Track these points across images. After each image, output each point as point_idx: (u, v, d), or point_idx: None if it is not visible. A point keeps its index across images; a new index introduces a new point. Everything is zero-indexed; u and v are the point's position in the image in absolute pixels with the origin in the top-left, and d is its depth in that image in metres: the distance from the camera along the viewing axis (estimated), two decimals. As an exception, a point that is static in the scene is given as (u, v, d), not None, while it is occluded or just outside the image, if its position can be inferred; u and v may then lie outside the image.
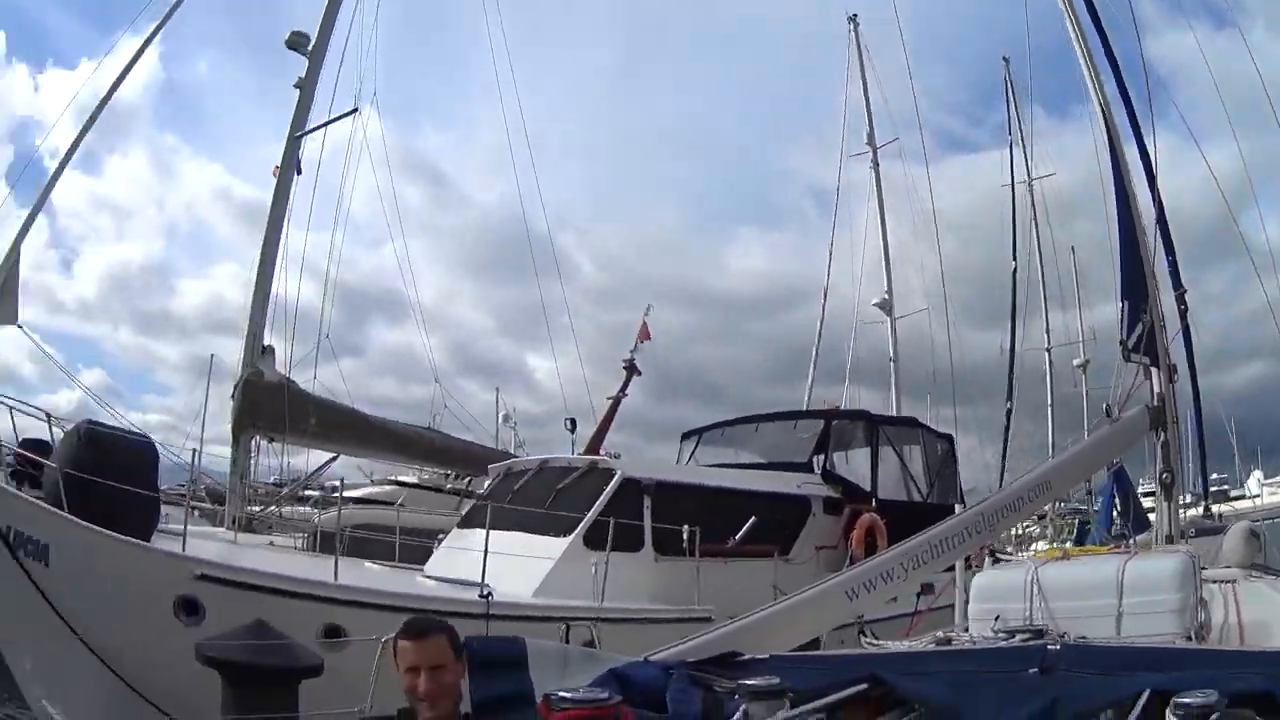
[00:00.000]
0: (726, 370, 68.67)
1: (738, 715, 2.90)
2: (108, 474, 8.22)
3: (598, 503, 11.32)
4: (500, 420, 33.48)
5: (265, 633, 6.63)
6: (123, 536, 8.17)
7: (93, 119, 16.04)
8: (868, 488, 14.72)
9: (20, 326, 14.66)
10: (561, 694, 2.99)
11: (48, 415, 9.26)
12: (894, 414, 23.12)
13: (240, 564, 9.29)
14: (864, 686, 3.33)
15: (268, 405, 16.24)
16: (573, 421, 19.05)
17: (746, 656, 4.21)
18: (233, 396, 16.59)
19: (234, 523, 15.34)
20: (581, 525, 11.08)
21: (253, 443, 17.29)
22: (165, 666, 7.77)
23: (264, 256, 17.96)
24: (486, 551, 9.61)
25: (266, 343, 17.12)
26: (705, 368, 63.20)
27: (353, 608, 8.75)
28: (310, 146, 18.46)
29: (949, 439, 17.73)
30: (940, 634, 7.16)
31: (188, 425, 35.23)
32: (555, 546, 10.91)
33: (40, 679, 8.02)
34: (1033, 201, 36.69)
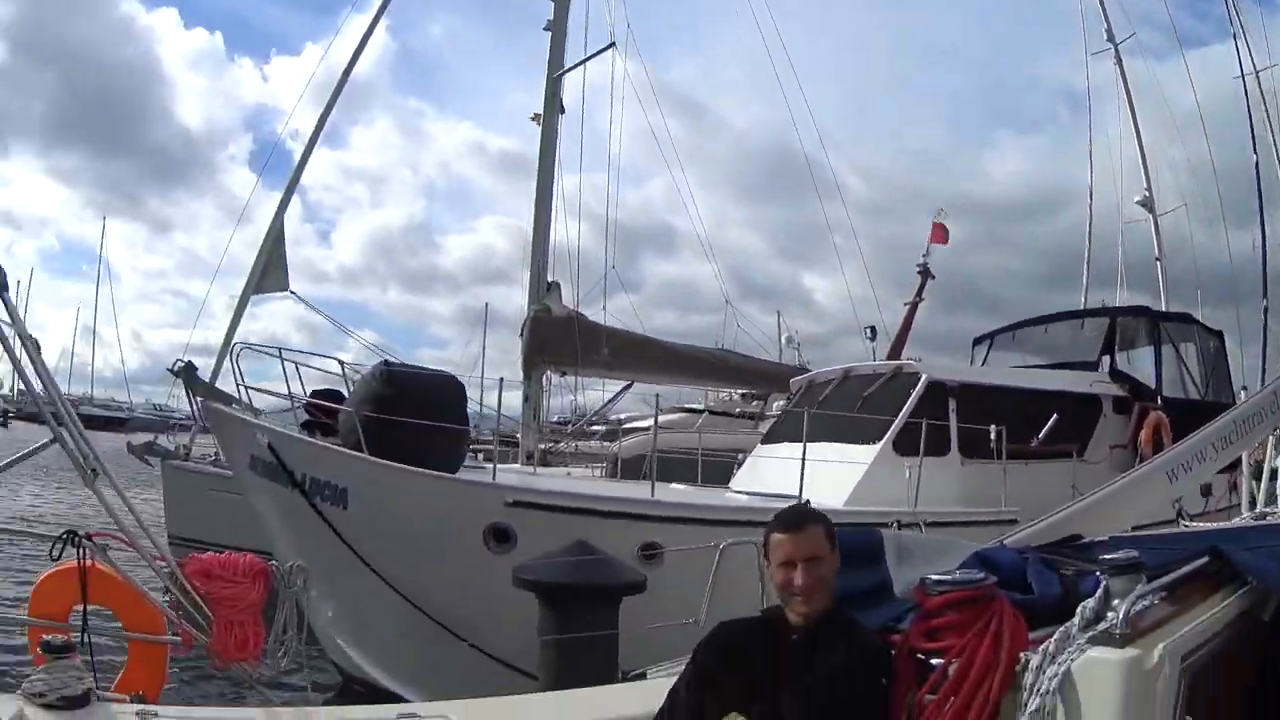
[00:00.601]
0: (998, 278, 65.97)
1: (1098, 591, 2.68)
2: (408, 411, 8.25)
3: (906, 406, 11.05)
4: (784, 342, 33.17)
5: (588, 552, 6.69)
6: (428, 471, 8.26)
7: (336, 94, 16.97)
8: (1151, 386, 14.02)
9: (293, 292, 15.76)
10: (936, 577, 2.89)
11: (341, 362, 9.45)
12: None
13: (553, 488, 9.43)
14: (1204, 560, 3.06)
15: (557, 339, 16.64)
16: (872, 330, 18.95)
17: (1087, 539, 4.00)
18: (521, 335, 17.10)
19: (529, 457, 15.86)
20: (891, 430, 10.82)
21: (544, 378, 17.85)
22: (470, 597, 7.97)
23: (539, 197, 18.41)
24: (804, 460, 9.46)
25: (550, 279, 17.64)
26: (977, 277, 60.87)
27: (669, 524, 8.71)
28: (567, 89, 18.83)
29: (1220, 335, 16.47)
30: (1254, 513, 6.67)
31: (465, 374, 36.82)
32: (865, 453, 10.66)
33: (342, 624, 8.36)
34: (1261, 94, 32.66)
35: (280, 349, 9.18)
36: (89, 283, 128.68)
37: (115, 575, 4.01)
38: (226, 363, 13.72)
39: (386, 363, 9.36)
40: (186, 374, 8.76)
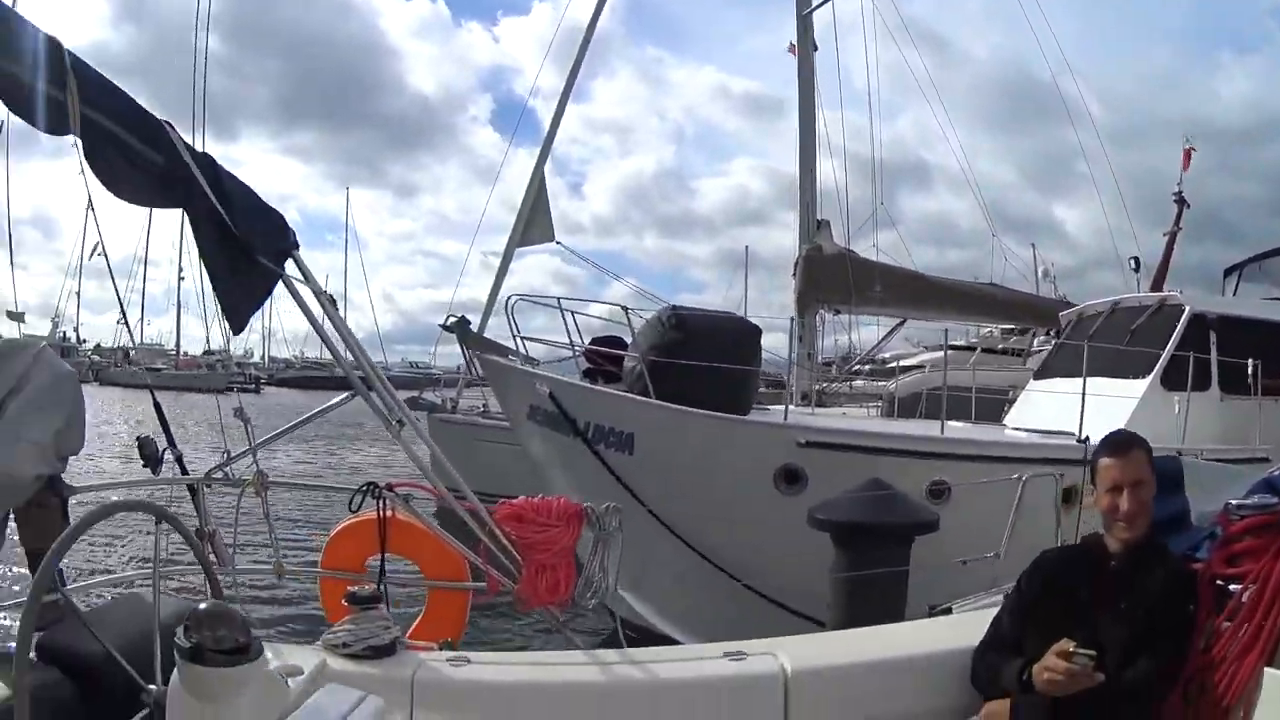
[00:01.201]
0: (1237, 207, 60.02)
1: None
2: (697, 354, 8.19)
3: (1171, 340, 10.65)
4: (1039, 275, 31.43)
5: (884, 490, 6.56)
6: (719, 414, 8.17)
7: (584, 48, 16.99)
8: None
9: (559, 243, 15.92)
10: (1237, 502, 2.98)
11: (625, 309, 9.25)
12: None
13: (844, 428, 9.23)
14: None
15: (830, 277, 16.32)
16: (1136, 260, 18.06)
17: None
18: (794, 274, 16.86)
19: (804, 397, 15.60)
20: (1158, 365, 10.48)
21: (818, 317, 17.58)
22: (755, 540, 7.89)
23: (803, 135, 18.10)
24: (1084, 395, 9.14)
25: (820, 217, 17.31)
26: (1216, 205, 55.57)
27: (955, 461, 8.49)
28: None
29: None
30: None
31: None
32: (1135, 388, 10.34)
33: (624, 572, 8.47)
34: None
35: (559, 299, 9.24)
36: (335, 251, 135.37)
37: (417, 524, 4.04)
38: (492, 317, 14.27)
39: (674, 306, 9.23)
40: (460, 328, 8.93)
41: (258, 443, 4.34)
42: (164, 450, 4.63)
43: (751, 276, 55.65)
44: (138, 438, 4.66)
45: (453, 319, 8.98)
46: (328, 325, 3.64)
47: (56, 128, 2.97)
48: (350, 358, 3.67)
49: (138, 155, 3.13)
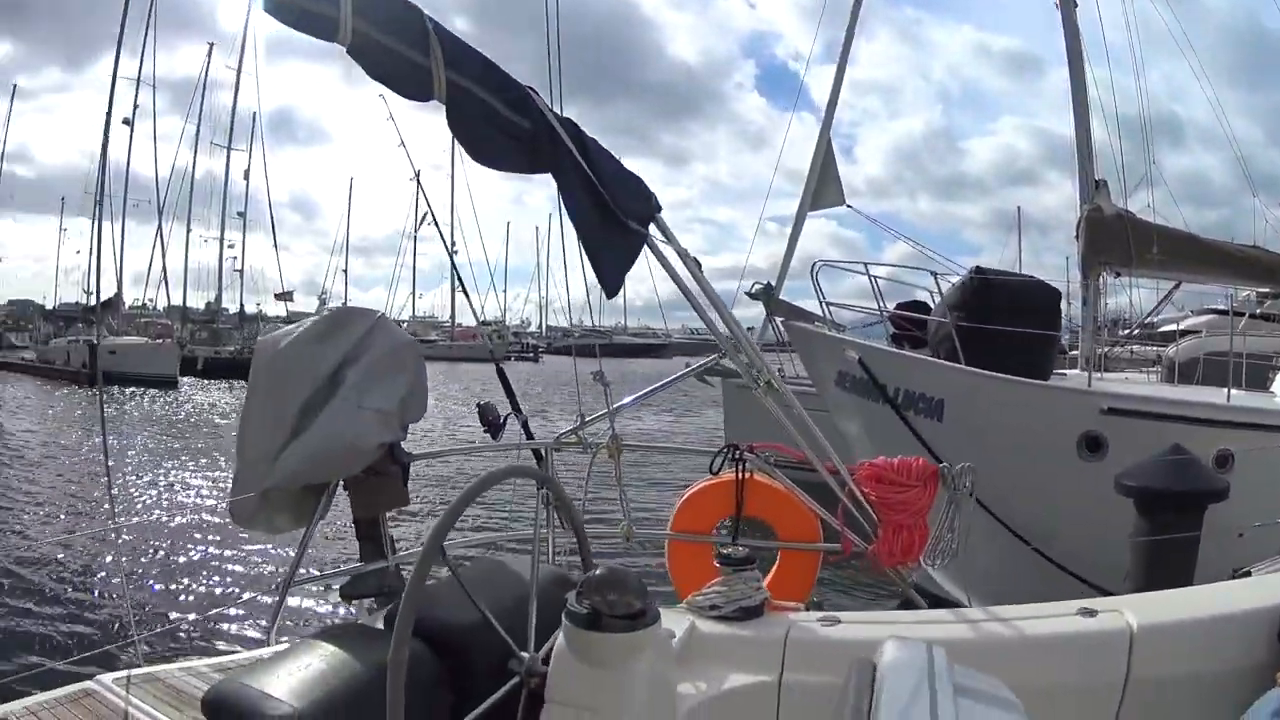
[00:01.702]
0: None
1: None
2: (1000, 319, 8.00)
3: None
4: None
5: (1186, 457, 6.35)
6: (1027, 380, 7.95)
7: (855, 14, 16.42)
8: None
9: (849, 205, 15.57)
10: None
11: (934, 275, 9.10)
12: None
13: (1147, 394, 8.76)
14: None
15: (1110, 239, 15.50)
16: None
17: None
18: (1076, 236, 16.09)
19: (1088, 362, 14.89)
20: None
21: (1100, 280, 16.69)
22: (1053, 506, 7.67)
23: (1075, 92, 17.17)
24: None
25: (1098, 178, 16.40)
26: None
27: (1242, 429, 7.94)
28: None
29: None
30: None
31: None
32: None
33: None
34: None
35: (866, 264, 9.11)
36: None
37: (775, 486, 3.97)
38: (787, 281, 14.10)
39: (978, 269, 8.98)
40: (766, 295, 8.87)
41: (615, 406, 4.34)
42: (506, 416, 4.65)
43: (1024, 238, 53.88)
44: (478, 404, 4.66)
45: (758, 285, 8.96)
46: (691, 285, 3.58)
47: (420, 94, 2.99)
48: (716, 319, 3.60)
49: (504, 121, 3.14)
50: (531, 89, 3.25)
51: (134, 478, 16.54)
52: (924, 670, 1.64)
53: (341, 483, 4.15)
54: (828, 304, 9.08)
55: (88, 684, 3.35)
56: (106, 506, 12.93)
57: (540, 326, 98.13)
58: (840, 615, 2.96)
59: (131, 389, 37.01)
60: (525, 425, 4.76)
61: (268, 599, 6.75)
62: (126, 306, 46.35)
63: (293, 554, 4.15)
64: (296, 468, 3.86)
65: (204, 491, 15.69)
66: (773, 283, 9.51)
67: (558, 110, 3.35)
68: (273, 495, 3.92)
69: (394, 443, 4.11)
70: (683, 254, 3.51)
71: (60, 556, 10.04)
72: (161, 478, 16.88)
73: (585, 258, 3.34)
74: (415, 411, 4.20)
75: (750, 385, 3.63)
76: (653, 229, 3.45)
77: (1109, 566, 6.41)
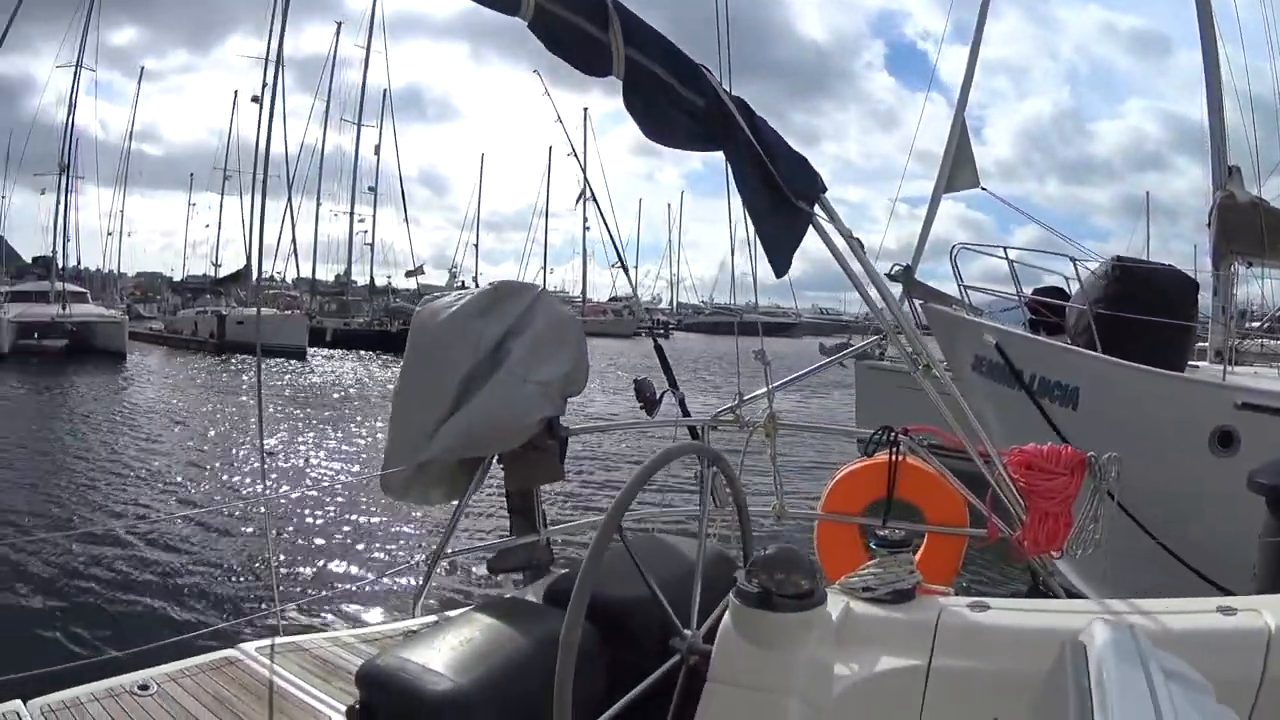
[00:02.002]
0: None
1: None
2: (1139, 308, 7.83)
3: None
4: None
5: None
6: (1162, 371, 7.76)
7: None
8: None
9: (984, 188, 15.24)
10: None
11: (1073, 260, 8.98)
12: None
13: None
14: None
15: (1243, 227, 14.91)
16: None
17: None
18: (1208, 224, 15.52)
19: (1219, 354, 14.39)
20: None
21: (1232, 270, 16.08)
22: (1182, 501, 7.43)
23: (1208, 72, 16.53)
24: None
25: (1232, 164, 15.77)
26: None
27: None
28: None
29: None
30: None
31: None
32: None
33: None
34: None
35: (1005, 247, 8.98)
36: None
37: (926, 469, 3.94)
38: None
39: (1119, 258, 8.81)
40: (905, 276, 8.81)
41: (773, 385, 4.35)
42: (663, 393, 4.67)
43: (1151, 224, 52.27)
44: (635, 380, 4.70)
45: (897, 267, 8.89)
46: (855, 266, 3.57)
47: (599, 70, 3.01)
48: (877, 298, 3.58)
49: (679, 97, 3.14)
50: (704, 67, 3.27)
51: (270, 443, 16.76)
52: (1134, 651, 1.65)
53: (496, 456, 4.16)
54: (966, 287, 8.97)
55: (230, 651, 3.36)
56: (251, 470, 13.20)
57: (671, 303, 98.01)
58: (989, 601, 2.95)
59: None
60: (682, 402, 4.76)
61: (409, 573, 6.81)
62: (255, 279, 47.83)
63: (436, 527, 4.18)
64: (456, 441, 3.88)
65: (347, 460, 16.04)
66: (910, 264, 9.36)
67: (727, 88, 3.35)
68: (428, 468, 3.94)
69: (554, 417, 4.11)
70: (846, 234, 3.50)
71: (208, 523, 10.26)
72: (301, 446, 17.30)
73: (752, 236, 3.35)
74: (577, 385, 4.21)
75: (910, 368, 3.60)
76: (817, 209, 3.45)
77: (1236, 565, 6.23)
